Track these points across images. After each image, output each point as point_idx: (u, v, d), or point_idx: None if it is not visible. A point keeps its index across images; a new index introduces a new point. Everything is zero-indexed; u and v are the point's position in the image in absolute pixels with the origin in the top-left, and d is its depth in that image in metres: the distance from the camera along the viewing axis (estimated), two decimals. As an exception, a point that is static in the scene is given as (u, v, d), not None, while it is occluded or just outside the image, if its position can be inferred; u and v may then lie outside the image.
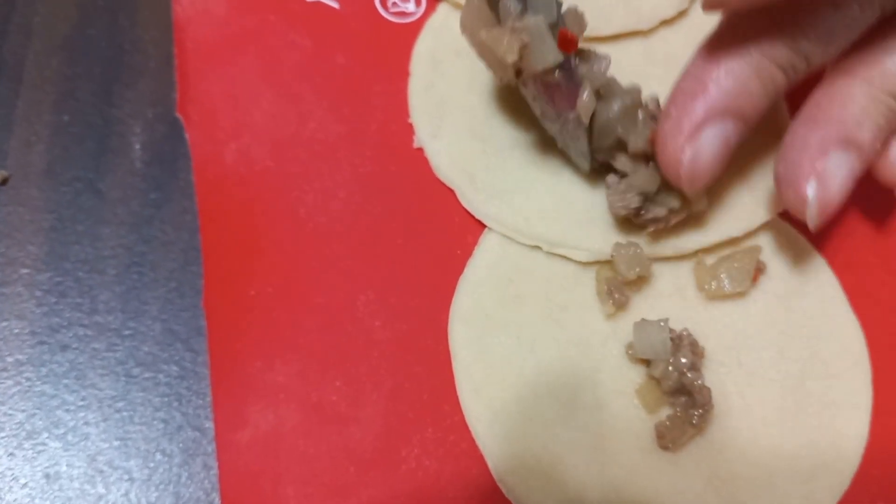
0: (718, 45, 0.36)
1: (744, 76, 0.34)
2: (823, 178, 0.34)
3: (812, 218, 0.35)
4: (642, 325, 0.36)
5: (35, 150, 0.39)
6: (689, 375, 0.35)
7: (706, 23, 0.44)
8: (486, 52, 0.37)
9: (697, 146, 0.35)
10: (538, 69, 0.35)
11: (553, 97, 0.37)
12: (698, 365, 0.36)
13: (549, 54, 0.35)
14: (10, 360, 0.35)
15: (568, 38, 0.36)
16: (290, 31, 0.43)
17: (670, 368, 0.35)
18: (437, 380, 0.37)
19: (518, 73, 0.37)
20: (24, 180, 0.38)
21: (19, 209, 0.38)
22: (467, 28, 0.37)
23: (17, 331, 0.36)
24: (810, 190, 0.34)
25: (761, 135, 0.43)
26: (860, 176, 0.35)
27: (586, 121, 0.37)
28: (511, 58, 0.35)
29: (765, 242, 0.40)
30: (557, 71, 0.36)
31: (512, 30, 0.35)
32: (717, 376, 0.37)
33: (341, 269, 0.38)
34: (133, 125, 0.40)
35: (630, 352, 0.37)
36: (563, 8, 0.37)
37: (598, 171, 0.40)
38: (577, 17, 0.37)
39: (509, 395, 0.36)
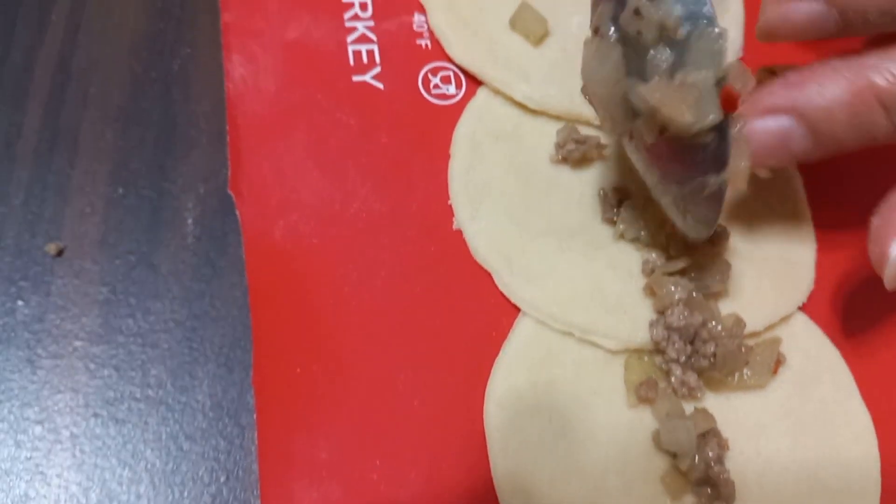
0: None
1: None
2: None
3: (890, 280, 0.36)
4: (669, 422, 0.38)
5: (90, 221, 0.40)
6: (714, 469, 0.37)
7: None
8: (602, 103, 0.34)
9: None
10: (693, 129, 0.32)
11: (685, 159, 0.34)
12: (723, 458, 0.38)
13: (711, 113, 0.32)
14: (65, 433, 0.36)
15: (732, 96, 0.33)
16: (337, 110, 0.44)
17: (697, 461, 0.37)
18: (473, 459, 0.38)
19: (630, 133, 0.34)
20: (79, 252, 0.40)
21: (74, 281, 0.39)
22: (590, 77, 0.34)
23: (71, 403, 0.37)
24: (894, 250, 0.35)
25: (782, 225, 0.45)
26: None
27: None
28: (690, 118, 0.31)
29: (783, 332, 0.43)
30: (711, 132, 0.33)
31: (680, 85, 0.32)
32: (737, 465, 0.39)
33: (382, 347, 0.40)
34: (185, 200, 0.41)
35: (656, 440, 0.39)
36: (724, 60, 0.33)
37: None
38: (743, 73, 0.33)
39: (541, 477, 0.38)
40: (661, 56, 0.32)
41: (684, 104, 0.32)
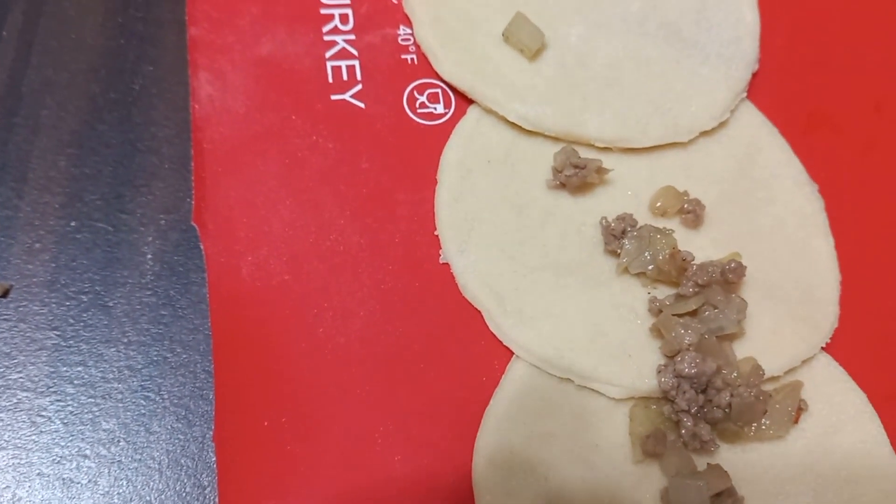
0: None
1: None
2: None
3: None
4: (679, 481, 0.34)
5: (39, 259, 0.37)
6: (730, 536, 0.33)
7: (745, 134, 0.43)
8: None
9: None
10: None
11: None
12: (739, 523, 0.34)
13: None
14: (6, 494, 0.33)
15: None
16: (313, 132, 0.41)
17: (710, 528, 0.33)
18: (460, 523, 0.35)
19: None
20: (27, 293, 0.36)
21: (20, 325, 0.35)
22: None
23: (14, 462, 0.33)
24: None
25: (801, 257, 0.41)
26: None
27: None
28: None
29: (804, 375, 0.39)
30: None
31: None
32: (754, 528, 0.35)
33: (360, 396, 0.36)
34: (144, 233, 0.38)
35: (665, 500, 0.35)
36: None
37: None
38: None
39: (537, 546, 0.34)
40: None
41: None
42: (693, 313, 0.37)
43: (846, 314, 0.40)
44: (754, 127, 0.44)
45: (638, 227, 0.39)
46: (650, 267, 0.38)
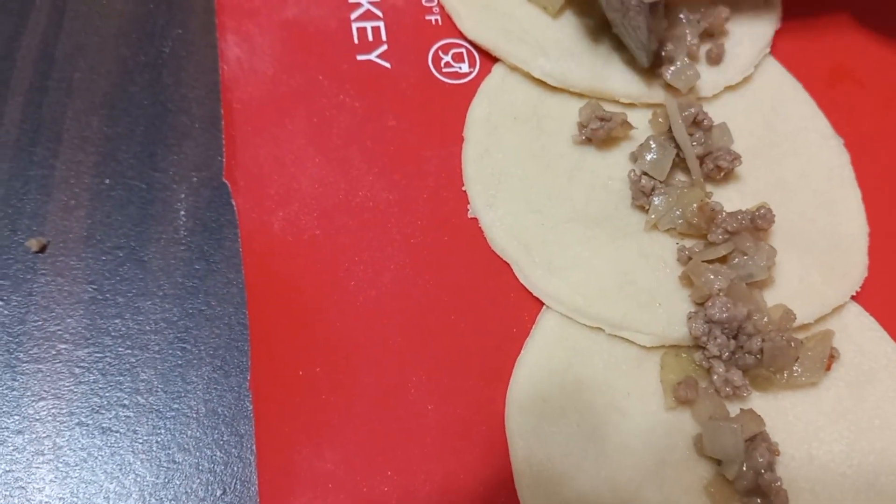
0: None
1: None
2: None
3: None
4: (714, 426, 0.34)
5: (74, 215, 0.37)
6: (765, 477, 0.33)
7: (770, 88, 0.43)
8: None
9: None
10: None
11: None
12: (773, 464, 0.34)
13: None
14: (47, 443, 0.33)
15: None
16: (340, 92, 0.41)
17: (745, 469, 0.33)
18: (493, 469, 0.35)
19: None
20: (63, 248, 0.37)
21: (58, 279, 0.36)
22: None
23: (54, 411, 0.34)
24: None
25: (829, 207, 0.41)
26: None
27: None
28: None
29: (835, 324, 0.39)
30: None
31: None
32: (788, 471, 0.35)
33: (392, 347, 0.36)
34: (177, 190, 0.38)
35: (698, 446, 0.35)
36: None
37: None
38: None
39: (570, 490, 0.34)
40: None
41: None
42: (723, 260, 0.37)
43: (875, 265, 0.40)
44: (778, 81, 0.44)
45: (665, 184, 0.39)
46: (679, 222, 0.39)
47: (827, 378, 0.37)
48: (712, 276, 0.36)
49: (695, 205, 0.38)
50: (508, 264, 0.38)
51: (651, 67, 0.41)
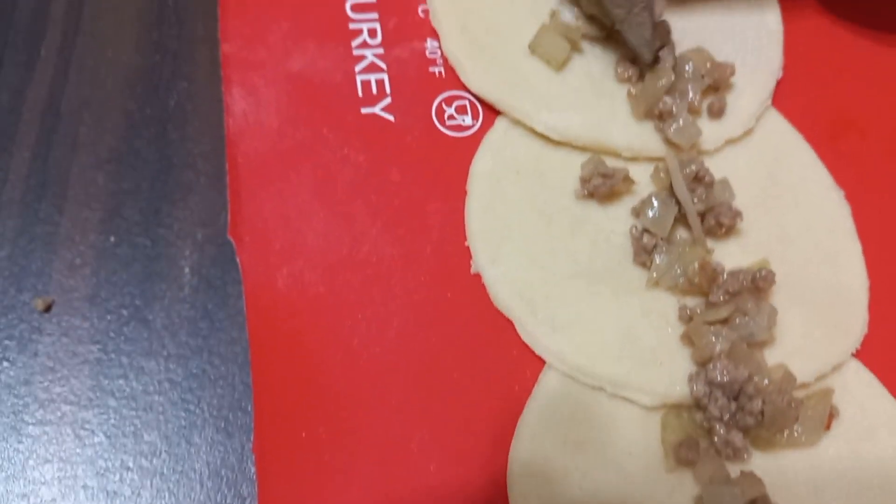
0: None
1: None
2: None
3: None
4: (714, 488, 0.34)
5: (80, 273, 0.37)
6: (765, 543, 0.33)
7: (771, 141, 0.44)
8: None
9: None
10: None
11: None
12: (774, 530, 0.34)
13: None
14: (52, 508, 0.34)
15: None
16: (345, 146, 0.41)
17: (746, 535, 0.33)
18: (496, 530, 0.35)
19: None
20: (69, 307, 0.37)
21: (63, 339, 0.36)
22: None
23: (59, 475, 0.34)
24: None
25: (829, 261, 0.42)
26: None
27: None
28: None
29: (834, 380, 0.39)
30: None
31: None
32: (788, 533, 0.35)
33: (395, 407, 0.37)
34: (182, 247, 0.38)
35: (700, 508, 0.35)
36: None
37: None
38: None
39: (572, 552, 0.35)
40: None
41: None
42: (724, 321, 0.37)
43: (875, 319, 0.40)
44: (780, 133, 0.44)
45: (667, 241, 0.39)
46: (681, 280, 0.39)
47: (827, 436, 0.38)
48: (714, 339, 0.36)
49: (696, 264, 0.38)
50: (511, 321, 0.39)
51: (652, 123, 0.42)
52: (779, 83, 0.45)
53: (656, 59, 0.42)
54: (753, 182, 0.43)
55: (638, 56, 0.42)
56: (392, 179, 0.41)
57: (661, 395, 0.37)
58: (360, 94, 0.43)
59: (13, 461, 0.34)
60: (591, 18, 0.43)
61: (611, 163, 0.41)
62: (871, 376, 0.39)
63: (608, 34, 0.43)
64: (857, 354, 0.39)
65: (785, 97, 0.45)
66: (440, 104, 0.43)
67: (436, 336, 0.38)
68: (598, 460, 0.36)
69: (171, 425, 0.35)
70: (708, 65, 0.42)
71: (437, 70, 0.44)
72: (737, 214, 0.40)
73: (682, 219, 0.40)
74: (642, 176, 0.42)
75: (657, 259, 0.39)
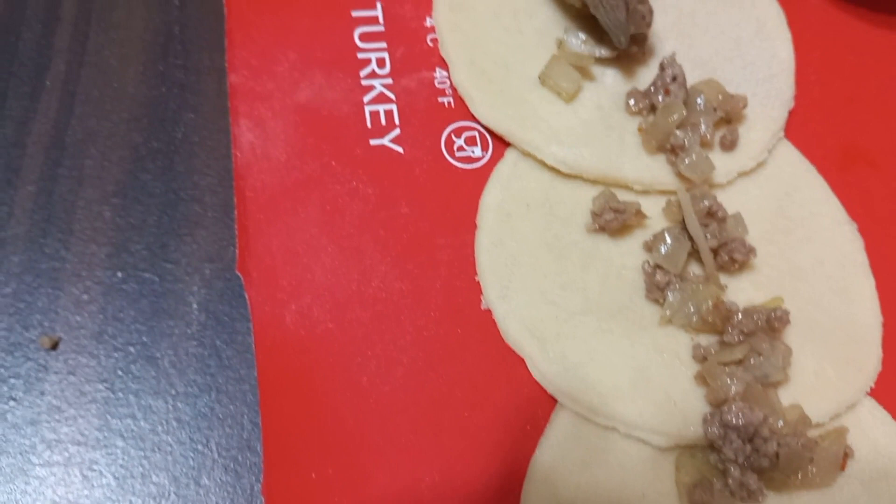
0: None
1: None
2: None
3: None
4: (731, 535, 0.34)
5: (86, 310, 0.37)
6: (781, 589, 0.33)
7: (783, 173, 0.43)
8: None
9: None
10: None
11: None
12: (790, 575, 0.34)
13: None
14: (59, 553, 0.33)
15: None
16: (353, 178, 0.41)
17: (761, 580, 0.33)
18: (507, 573, 0.35)
19: None
20: (75, 345, 0.36)
21: (70, 378, 0.36)
22: None
23: (66, 518, 0.34)
24: None
25: (842, 297, 0.41)
26: None
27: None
28: None
29: (848, 419, 0.39)
30: None
31: None
32: (803, 577, 0.35)
33: (405, 446, 0.36)
34: (190, 283, 0.38)
35: (713, 552, 0.35)
36: None
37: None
38: None
39: None
40: None
41: None
42: (738, 361, 0.37)
43: (889, 356, 0.40)
44: (792, 165, 0.44)
45: (680, 278, 0.39)
46: (694, 318, 0.38)
47: (842, 476, 0.37)
48: (728, 380, 0.36)
49: (710, 302, 0.38)
50: (522, 359, 0.38)
51: (661, 153, 0.41)
52: (790, 113, 0.45)
53: (631, 44, 0.42)
54: (765, 216, 0.42)
55: (613, 39, 0.42)
56: (401, 213, 0.41)
57: (674, 437, 0.36)
58: (368, 125, 0.42)
59: (21, 503, 0.34)
60: (597, 36, 0.43)
61: (622, 196, 0.41)
62: (885, 413, 0.39)
63: (618, 55, 0.43)
64: (871, 392, 0.39)
65: (795, 127, 0.45)
66: (450, 135, 0.43)
67: (445, 373, 0.38)
68: (612, 502, 0.36)
69: (179, 466, 0.35)
70: (720, 97, 0.42)
71: (446, 100, 0.43)
72: (750, 251, 0.39)
73: (695, 253, 0.40)
74: (654, 209, 0.41)
75: (670, 296, 0.38)
